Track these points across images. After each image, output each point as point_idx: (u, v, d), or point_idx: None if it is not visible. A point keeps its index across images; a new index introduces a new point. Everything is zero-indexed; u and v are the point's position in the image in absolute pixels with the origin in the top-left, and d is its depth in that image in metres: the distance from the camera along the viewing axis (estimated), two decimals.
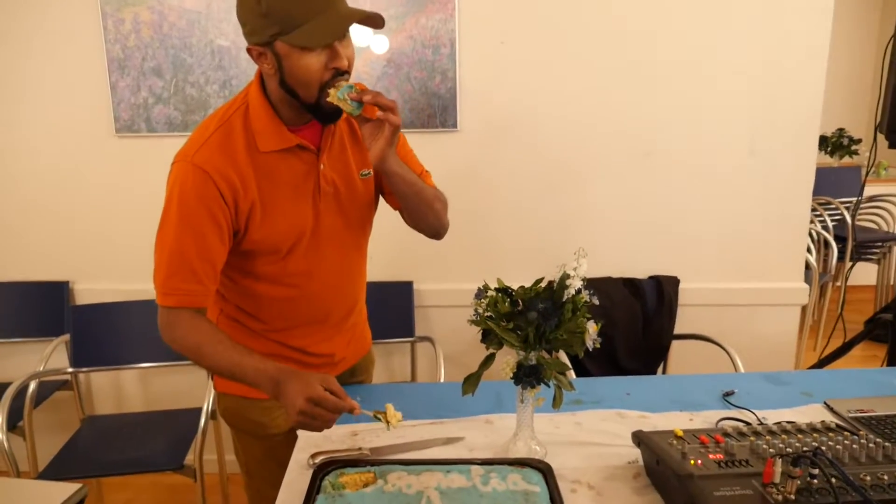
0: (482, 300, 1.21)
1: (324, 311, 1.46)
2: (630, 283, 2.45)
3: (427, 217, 1.46)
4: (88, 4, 2.34)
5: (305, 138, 1.32)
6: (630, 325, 2.42)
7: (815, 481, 0.99)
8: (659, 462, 1.11)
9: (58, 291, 2.56)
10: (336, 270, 1.44)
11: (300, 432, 1.38)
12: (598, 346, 1.18)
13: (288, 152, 1.30)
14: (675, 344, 2.47)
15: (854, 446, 1.10)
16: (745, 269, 2.48)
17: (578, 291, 1.18)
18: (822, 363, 2.53)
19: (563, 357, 2.15)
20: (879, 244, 4.17)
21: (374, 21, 1.21)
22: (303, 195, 1.33)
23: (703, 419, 1.41)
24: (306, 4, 1.15)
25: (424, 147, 2.30)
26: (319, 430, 1.17)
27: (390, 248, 2.12)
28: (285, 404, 1.17)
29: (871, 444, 1.10)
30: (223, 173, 1.23)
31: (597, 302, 1.20)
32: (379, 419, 1.20)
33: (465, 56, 2.33)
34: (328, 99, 1.21)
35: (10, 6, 2.38)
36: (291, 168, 1.31)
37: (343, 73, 1.22)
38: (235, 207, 1.26)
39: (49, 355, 2.38)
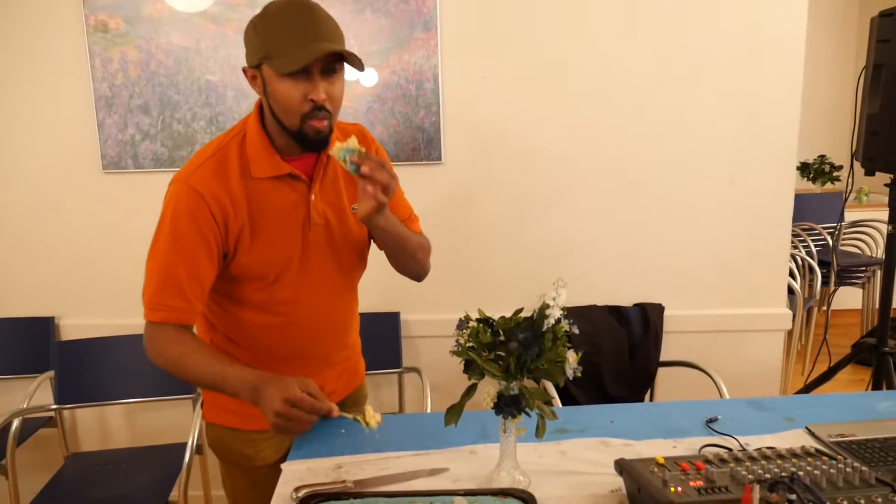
0: (464, 331, 1.22)
1: (312, 344, 1.47)
2: (615, 311, 2.47)
3: (409, 265, 1.52)
4: (76, 43, 2.37)
5: (298, 168, 1.35)
6: (616, 353, 2.43)
7: None
8: (640, 490, 1.12)
9: (43, 327, 2.55)
10: (324, 303, 1.45)
11: (284, 466, 1.37)
12: (578, 374, 1.19)
13: (280, 181, 1.34)
14: (661, 371, 2.48)
15: (832, 471, 1.11)
16: (729, 295, 2.50)
17: (558, 321, 1.19)
18: (807, 388, 2.54)
19: (549, 386, 2.15)
20: (863, 269, 4.22)
21: (352, 61, 1.25)
22: (292, 224, 1.36)
23: (687, 446, 1.41)
24: (292, 36, 1.21)
25: (410, 180, 2.33)
26: (296, 432, 1.18)
27: (377, 278, 2.12)
28: (263, 408, 1.19)
29: (848, 469, 1.11)
30: (215, 195, 1.28)
31: (577, 331, 1.21)
32: (358, 420, 1.21)
33: (448, 90, 2.38)
34: (330, 152, 1.25)
35: None
36: (282, 196, 1.35)
37: (321, 107, 1.25)
38: (226, 229, 1.30)
39: (33, 392, 2.36)
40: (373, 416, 1.22)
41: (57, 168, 2.49)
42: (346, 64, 1.28)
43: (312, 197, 1.37)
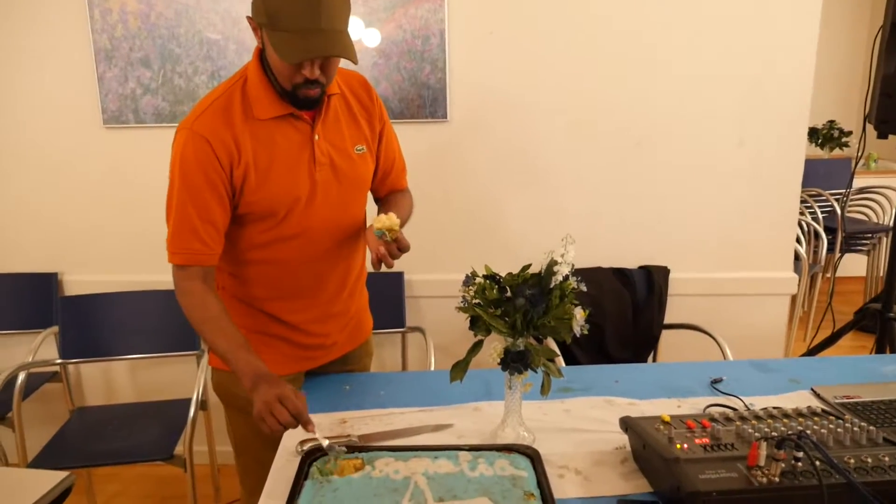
0: (470, 287, 1.21)
1: (317, 283, 1.48)
2: (620, 273, 2.45)
3: None
4: None
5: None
6: (620, 315, 2.42)
7: (800, 464, 0.99)
8: (646, 447, 1.12)
9: (46, 283, 2.54)
10: (330, 240, 1.46)
11: None
12: (585, 332, 1.19)
13: (283, 121, 1.36)
14: (665, 333, 2.48)
15: (839, 430, 1.11)
16: (735, 258, 2.49)
17: (566, 278, 1.18)
18: (811, 352, 2.54)
19: (552, 345, 2.15)
20: (869, 235, 4.19)
21: (348, 57, 1.26)
22: (298, 163, 1.38)
23: (691, 405, 1.42)
24: (295, 17, 1.20)
25: (414, 137, 2.31)
26: (272, 428, 1.18)
27: None
28: (255, 396, 1.22)
29: (855, 429, 1.11)
30: (220, 138, 1.31)
31: (584, 288, 1.20)
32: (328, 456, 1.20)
33: (454, 46, 2.33)
34: (373, 223, 1.33)
35: None
36: (287, 136, 1.37)
37: (313, 81, 1.27)
38: (231, 171, 1.33)
39: (38, 347, 2.37)
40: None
41: (58, 123, 2.46)
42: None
43: (316, 137, 1.39)
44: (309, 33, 1.21)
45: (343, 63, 1.37)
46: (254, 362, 1.28)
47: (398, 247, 1.33)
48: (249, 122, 1.34)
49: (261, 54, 1.36)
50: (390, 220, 1.31)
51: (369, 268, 1.67)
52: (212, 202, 1.33)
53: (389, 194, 1.62)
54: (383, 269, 1.35)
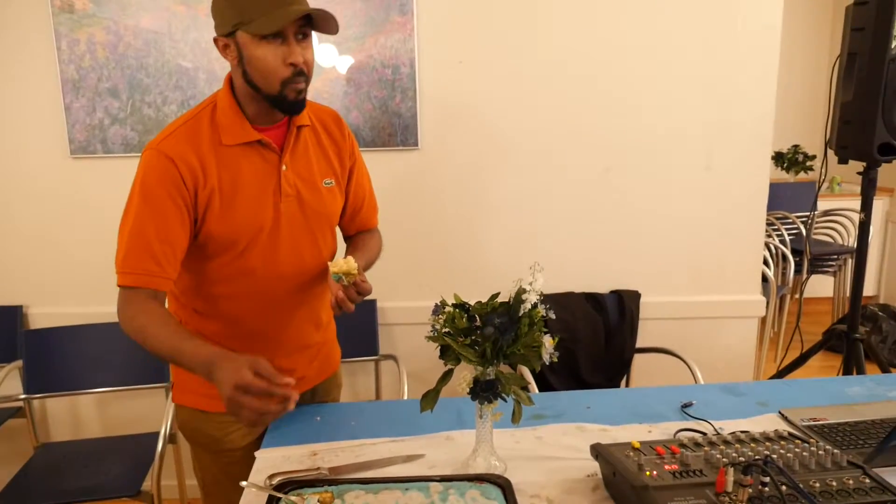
0: (439, 316, 1.21)
1: (282, 320, 1.46)
2: (592, 298, 2.47)
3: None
4: (41, 24, 2.30)
5: (269, 137, 1.36)
6: (592, 340, 2.44)
7: (766, 489, 1.00)
8: (616, 474, 1.12)
9: (10, 316, 2.48)
10: (295, 275, 1.44)
11: (258, 453, 1.36)
12: (555, 360, 1.19)
13: (250, 148, 1.35)
14: (637, 357, 2.50)
15: (804, 454, 1.12)
16: (705, 282, 2.52)
17: (535, 306, 1.18)
18: (780, 374, 2.57)
19: (526, 372, 2.15)
20: (835, 257, 4.28)
21: (327, 23, 1.27)
22: (263, 192, 1.36)
23: (662, 430, 1.42)
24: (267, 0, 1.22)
25: (385, 165, 2.33)
26: (252, 421, 1.09)
27: None
28: (218, 388, 1.12)
29: (820, 452, 1.12)
30: (185, 160, 1.29)
31: (553, 316, 1.21)
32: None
33: (424, 75, 2.35)
34: (330, 266, 1.30)
35: None
36: (253, 164, 1.36)
37: (300, 72, 1.28)
38: (195, 194, 1.30)
39: (1, 382, 2.31)
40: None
41: (24, 153, 2.42)
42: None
43: (283, 167, 1.38)
44: (283, 6, 1.22)
45: (324, 100, 1.39)
46: (199, 351, 1.19)
47: (357, 290, 1.32)
48: (216, 148, 1.33)
49: (231, 82, 1.36)
50: (347, 264, 1.29)
51: None
52: (173, 221, 1.29)
53: (358, 234, 1.61)
54: (342, 312, 1.33)
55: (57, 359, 2.29)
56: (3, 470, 2.15)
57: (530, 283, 1.18)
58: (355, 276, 1.30)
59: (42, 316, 2.51)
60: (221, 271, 1.38)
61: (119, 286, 1.30)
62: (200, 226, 1.33)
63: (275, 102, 1.32)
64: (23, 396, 2.28)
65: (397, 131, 2.38)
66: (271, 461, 1.33)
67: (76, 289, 2.50)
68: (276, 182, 1.37)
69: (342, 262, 1.30)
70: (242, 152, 1.35)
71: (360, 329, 2.45)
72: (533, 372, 2.26)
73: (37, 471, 2.17)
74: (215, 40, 1.31)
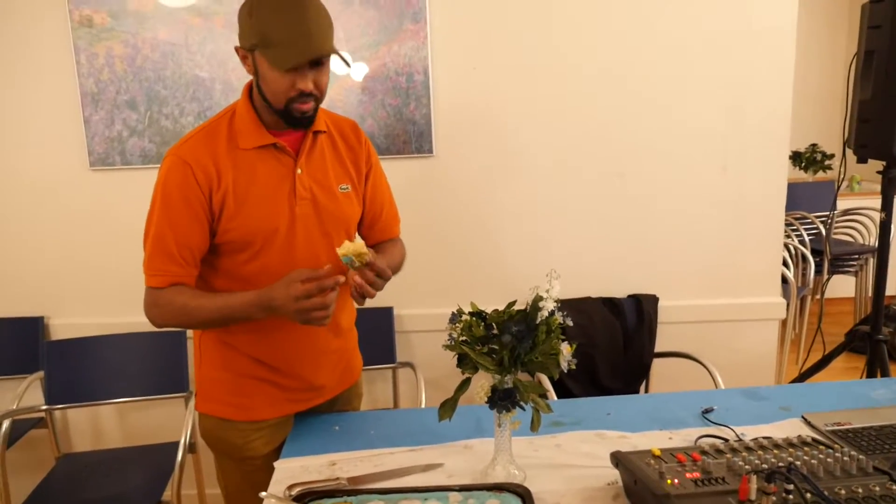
0: (457, 324, 1.21)
1: (299, 327, 1.44)
2: (609, 303, 2.46)
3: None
4: (61, 39, 2.34)
5: (284, 141, 1.40)
6: (611, 345, 2.42)
7: (791, 496, 0.99)
8: (637, 482, 1.11)
9: (32, 327, 2.51)
10: None
11: (277, 464, 1.36)
12: (573, 367, 1.18)
13: (266, 151, 1.39)
14: (656, 362, 2.48)
15: (829, 460, 1.10)
16: (723, 285, 2.50)
17: (552, 313, 1.18)
18: (802, 377, 2.54)
19: (544, 379, 2.14)
20: (856, 257, 4.22)
21: (340, 55, 1.33)
22: (278, 195, 1.40)
23: (683, 437, 1.41)
24: (285, 28, 1.26)
25: (400, 173, 2.33)
26: (323, 317, 1.27)
27: None
28: (286, 317, 1.28)
29: (845, 458, 1.11)
30: (201, 163, 1.34)
31: (570, 323, 1.20)
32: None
33: (438, 82, 2.36)
34: (337, 250, 1.30)
35: None
36: (269, 167, 1.39)
37: (309, 94, 1.32)
38: (210, 195, 1.35)
39: (23, 393, 2.34)
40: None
41: (44, 166, 2.46)
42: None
43: (299, 171, 1.41)
44: (300, 38, 1.26)
45: (338, 108, 1.41)
46: (246, 298, 1.32)
47: (376, 273, 1.32)
48: (233, 151, 1.37)
49: (250, 90, 1.40)
50: (356, 245, 1.29)
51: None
52: (190, 225, 1.35)
53: (380, 243, 1.61)
54: (367, 302, 1.34)
55: (78, 369, 2.31)
56: (26, 480, 2.17)
57: (547, 291, 1.18)
58: (366, 255, 1.29)
59: (63, 327, 2.54)
60: (239, 271, 1.41)
61: (147, 287, 1.38)
62: (217, 226, 1.38)
63: (281, 116, 1.36)
64: (44, 407, 2.31)
65: (412, 138, 2.39)
66: (290, 471, 1.33)
67: (97, 300, 2.53)
68: (290, 185, 1.40)
69: (349, 245, 1.29)
70: (258, 155, 1.38)
71: (377, 336, 2.45)
72: (551, 379, 2.25)
73: (59, 481, 2.19)
74: (237, 49, 1.35)
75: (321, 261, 1.44)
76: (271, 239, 1.39)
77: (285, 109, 1.34)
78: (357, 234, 1.58)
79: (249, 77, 1.38)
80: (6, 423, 2.19)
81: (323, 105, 1.41)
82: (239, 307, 1.33)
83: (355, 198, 1.51)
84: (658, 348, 2.47)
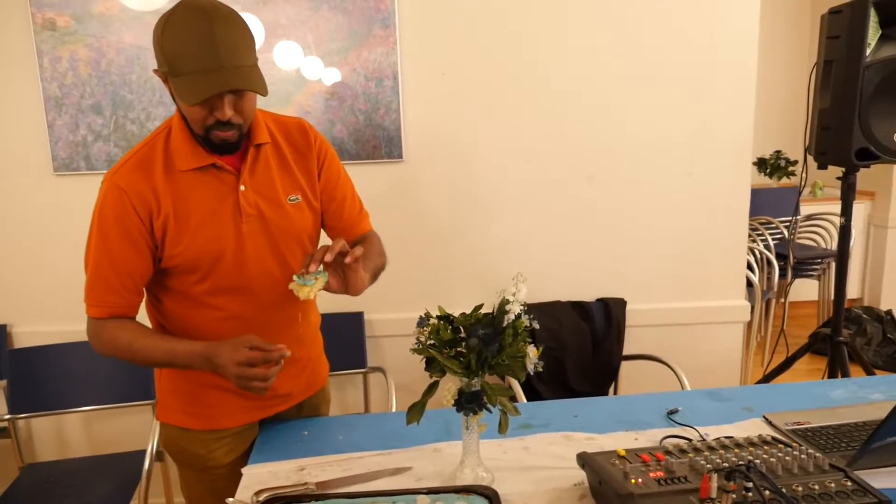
0: (424, 328, 1.21)
1: (262, 335, 1.43)
2: (578, 307, 2.48)
3: (376, 277, 1.52)
4: (23, 42, 2.30)
5: (224, 160, 1.35)
6: (580, 348, 2.45)
7: (750, 494, 1.01)
8: (602, 482, 1.13)
9: None
10: (267, 295, 1.41)
11: (245, 470, 1.35)
12: (539, 370, 1.20)
13: (205, 172, 1.34)
14: (624, 364, 2.51)
15: (787, 458, 1.13)
16: (689, 288, 2.54)
17: (518, 316, 1.19)
18: (766, 378, 2.60)
19: (514, 383, 2.16)
20: (819, 261, 4.32)
21: (257, 87, 1.23)
22: (222, 215, 1.35)
23: (648, 438, 1.43)
24: (193, 56, 1.18)
25: (371, 178, 2.34)
26: (261, 388, 1.25)
27: None
28: (223, 376, 1.27)
29: (803, 456, 1.14)
30: (137, 189, 1.30)
31: (537, 326, 1.21)
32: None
33: (407, 88, 2.37)
34: (290, 286, 1.28)
35: None
36: (209, 188, 1.35)
37: (227, 122, 1.25)
38: (150, 223, 1.31)
39: None
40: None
41: (6, 170, 2.41)
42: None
43: (242, 187, 1.36)
44: (209, 72, 1.18)
45: (307, 114, 1.38)
46: (192, 348, 1.31)
47: (347, 261, 1.29)
48: (170, 174, 1.32)
49: None
50: (308, 287, 1.26)
51: (328, 309, 1.67)
52: (129, 253, 1.31)
53: (354, 242, 1.59)
54: (339, 304, 1.32)
55: (42, 378, 2.27)
56: None
57: (513, 294, 1.19)
58: (321, 279, 1.27)
59: (26, 334, 2.49)
60: (190, 291, 1.37)
61: (88, 317, 1.34)
62: (161, 252, 1.34)
63: (204, 143, 1.32)
64: (7, 417, 2.26)
65: (382, 144, 2.39)
66: (258, 477, 1.32)
67: (61, 307, 2.48)
68: (234, 203, 1.35)
69: (303, 290, 1.27)
70: (197, 177, 1.33)
71: (347, 341, 2.44)
72: (521, 382, 2.27)
73: (22, 492, 2.14)
74: (155, 70, 1.27)
75: (275, 276, 1.41)
76: (219, 260, 1.35)
77: (206, 137, 1.29)
78: (314, 247, 1.54)
79: None
80: None
81: (290, 111, 1.39)
82: (183, 356, 1.31)
83: (307, 207, 1.45)
84: (626, 351, 2.50)
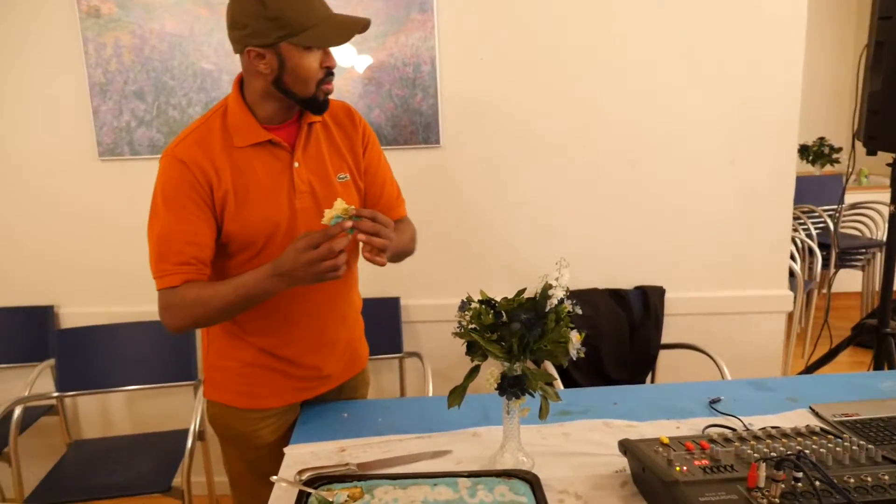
0: (466, 312, 1.21)
1: (307, 315, 1.47)
2: (616, 294, 2.46)
3: (402, 258, 1.53)
4: (69, 29, 2.35)
5: (279, 137, 1.39)
6: (617, 336, 2.43)
7: (800, 484, 0.99)
8: (645, 469, 1.12)
9: (42, 316, 2.54)
10: None
11: (287, 450, 1.37)
12: (581, 355, 1.19)
13: (262, 148, 1.38)
14: (662, 353, 2.48)
15: (838, 449, 1.11)
16: (730, 277, 2.50)
17: (561, 301, 1.18)
18: (808, 370, 2.54)
19: (551, 368, 2.15)
20: (863, 251, 4.21)
21: (365, 28, 1.34)
22: (277, 190, 1.38)
23: (690, 426, 1.41)
24: (311, 12, 1.29)
25: (407, 164, 2.33)
26: (336, 269, 1.21)
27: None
28: (299, 280, 1.25)
29: (854, 447, 1.11)
30: (198, 163, 1.32)
31: (580, 311, 1.21)
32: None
33: (445, 73, 2.35)
34: (323, 220, 1.25)
35: None
36: (265, 164, 1.38)
37: (332, 72, 1.36)
38: (212, 192, 1.33)
39: (34, 380, 2.36)
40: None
41: (54, 156, 2.47)
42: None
43: (296, 164, 1.40)
44: (331, 18, 1.31)
45: (345, 99, 1.40)
46: (258, 272, 1.28)
47: (373, 220, 1.26)
48: (228, 151, 1.35)
49: (240, 85, 1.39)
50: (335, 208, 1.23)
51: (365, 294, 1.68)
52: (198, 221, 1.32)
53: None
54: (385, 257, 1.28)
55: (88, 357, 2.33)
56: (38, 466, 2.19)
57: (556, 279, 1.18)
58: (352, 209, 1.24)
59: (73, 315, 2.55)
60: (244, 269, 1.38)
61: (159, 290, 1.33)
62: (220, 226, 1.36)
63: (307, 104, 1.37)
64: (55, 394, 2.33)
65: (419, 129, 2.39)
66: (300, 457, 1.34)
67: (106, 289, 2.54)
68: (289, 179, 1.39)
69: (329, 211, 1.23)
70: (254, 153, 1.37)
71: (384, 327, 2.46)
72: (558, 369, 2.26)
73: (70, 467, 2.21)
74: (248, 51, 1.30)
75: None
76: (273, 236, 1.38)
77: (313, 96, 1.34)
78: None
79: None
80: (18, 410, 2.21)
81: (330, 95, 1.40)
82: (254, 283, 1.29)
83: (353, 187, 1.49)
84: (664, 340, 2.47)
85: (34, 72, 2.41)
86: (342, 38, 1.32)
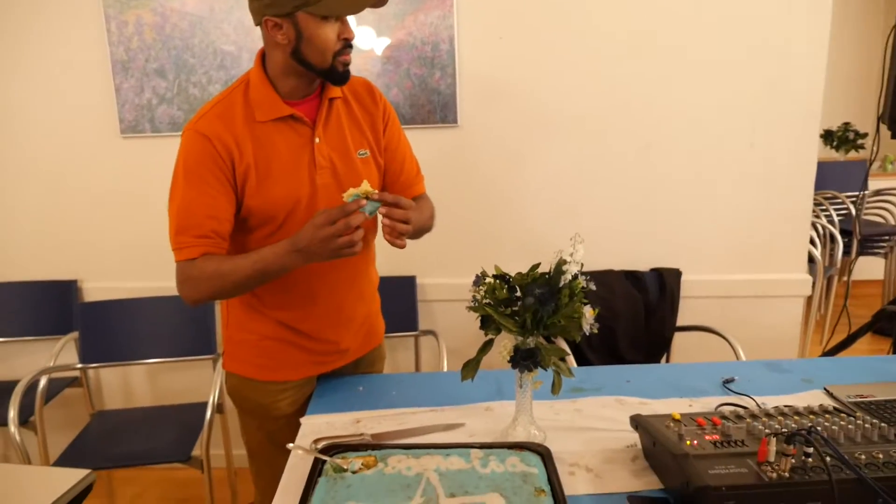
0: (480, 287, 1.22)
1: (326, 289, 1.49)
2: (632, 276, 2.45)
3: (421, 235, 1.54)
4: (92, 7, 2.37)
5: (301, 111, 1.39)
6: (632, 317, 2.43)
7: (810, 459, 1.00)
8: (656, 444, 1.13)
9: (66, 290, 2.59)
10: None
11: (303, 420, 1.40)
12: (595, 331, 1.20)
13: (283, 123, 1.38)
14: (677, 336, 2.48)
15: (850, 427, 1.11)
16: (748, 260, 2.48)
17: (575, 277, 1.19)
18: (826, 355, 2.53)
19: (563, 344, 2.16)
20: (886, 238, 4.15)
21: (380, 1, 1.34)
22: (298, 166, 1.39)
23: (703, 404, 1.42)
24: None
25: (425, 142, 2.33)
26: (353, 245, 1.23)
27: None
28: (317, 255, 1.25)
29: (867, 426, 1.11)
30: (220, 137, 1.33)
31: (593, 287, 1.21)
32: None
33: (464, 52, 2.35)
34: (343, 195, 1.26)
35: (12, 10, 2.41)
36: (287, 139, 1.39)
37: (350, 44, 1.35)
38: (233, 167, 1.34)
39: (59, 352, 2.42)
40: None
41: (76, 132, 2.51)
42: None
43: (317, 140, 1.40)
44: None
45: (362, 75, 1.40)
46: (276, 247, 1.30)
47: (398, 205, 1.28)
48: (250, 125, 1.36)
49: (262, 60, 1.39)
50: (358, 188, 1.25)
51: (382, 273, 1.70)
52: (218, 196, 1.33)
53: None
54: (405, 240, 1.30)
55: (110, 331, 2.38)
56: (63, 435, 2.25)
57: (571, 255, 1.19)
58: (374, 192, 1.26)
59: (96, 290, 2.60)
60: (263, 244, 1.40)
61: (177, 262, 1.35)
62: (241, 200, 1.37)
63: (325, 75, 1.36)
64: (79, 366, 2.38)
65: (437, 108, 2.39)
66: (316, 427, 1.37)
67: (128, 264, 2.59)
68: (310, 155, 1.40)
69: (352, 189, 1.25)
70: (276, 128, 1.37)
71: (400, 305, 2.48)
72: (573, 348, 2.27)
73: (93, 436, 2.27)
74: (266, 20, 1.31)
75: None
76: (294, 211, 1.39)
77: (331, 66, 1.34)
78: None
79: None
80: (43, 381, 2.27)
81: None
82: (272, 257, 1.30)
83: (373, 163, 1.50)
84: (680, 322, 2.47)
85: (58, 49, 2.44)
86: (356, 8, 1.31)
